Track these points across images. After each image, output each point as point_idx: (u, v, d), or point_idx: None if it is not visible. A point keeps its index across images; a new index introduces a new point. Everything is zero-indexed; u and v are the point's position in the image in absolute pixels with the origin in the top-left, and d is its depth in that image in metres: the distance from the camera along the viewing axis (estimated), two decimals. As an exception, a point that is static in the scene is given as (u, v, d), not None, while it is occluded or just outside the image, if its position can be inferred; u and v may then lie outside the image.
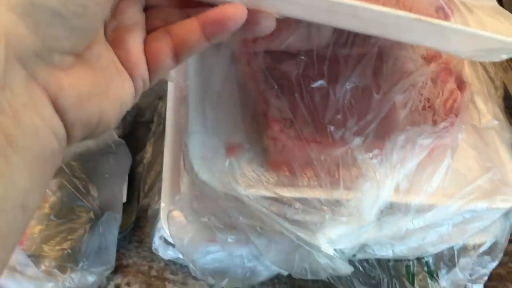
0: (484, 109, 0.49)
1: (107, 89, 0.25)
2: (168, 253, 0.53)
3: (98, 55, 0.25)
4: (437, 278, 0.44)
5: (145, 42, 0.27)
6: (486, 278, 0.48)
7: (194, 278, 0.55)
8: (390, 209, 0.40)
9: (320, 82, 0.44)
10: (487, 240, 0.45)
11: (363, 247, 0.41)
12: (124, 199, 0.57)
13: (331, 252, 0.36)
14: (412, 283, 0.44)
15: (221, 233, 0.43)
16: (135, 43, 0.27)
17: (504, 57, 0.32)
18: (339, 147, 0.41)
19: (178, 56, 0.27)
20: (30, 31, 0.21)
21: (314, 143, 0.41)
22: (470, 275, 0.47)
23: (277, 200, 0.38)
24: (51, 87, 0.22)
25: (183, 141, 0.40)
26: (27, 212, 0.22)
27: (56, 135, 0.23)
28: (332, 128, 0.41)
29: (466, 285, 0.46)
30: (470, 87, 0.48)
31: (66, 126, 0.24)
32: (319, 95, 0.43)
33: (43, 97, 0.22)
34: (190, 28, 0.27)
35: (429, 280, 0.44)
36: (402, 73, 0.46)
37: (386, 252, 0.42)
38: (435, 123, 0.44)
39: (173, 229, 0.43)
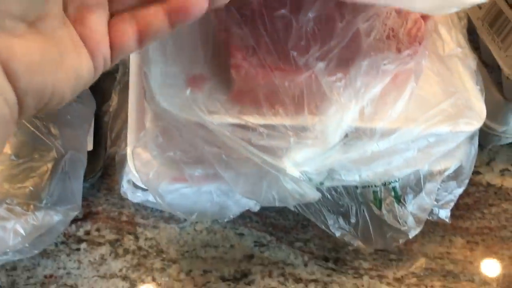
0: (448, 37, 0.49)
1: (60, 61, 0.25)
2: (137, 196, 0.52)
3: (53, 28, 0.25)
4: (404, 203, 0.45)
5: (109, 23, 0.27)
6: (452, 204, 0.49)
7: (165, 221, 0.55)
8: (356, 134, 0.39)
9: (282, 11, 0.43)
10: (452, 165, 0.46)
11: (330, 173, 0.41)
12: (90, 147, 0.56)
13: (296, 174, 0.36)
14: (380, 208, 0.45)
15: (188, 168, 0.43)
16: (98, 22, 0.27)
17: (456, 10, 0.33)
18: (303, 73, 0.40)
19: (141, 40, 0.28)
20: None
21: (278, 70, 0.41)
22: (437, 200, 0.47)
23: (242, 126, 0.38)
24: (2, 52, 0.22)
25: (143, 71, 0.39)
26: None
27: (6, 101, 0.23)
28: (295, 54, 0.41)
29: (432, 209, 0.47)
30: (433, 17, 0.48)
31: (17, 94, 0.24)
32: (282, 24, 0.42)
33: None
34: (155, 14, 0.27)
35: (396, 205, 0.45)
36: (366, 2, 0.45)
37: (353, 178, 0.42)
38: (399, 51, 0.44)
39: (138, 164, 0.43)
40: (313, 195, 0.40)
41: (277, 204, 0.41)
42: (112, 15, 0.28)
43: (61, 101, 0.26)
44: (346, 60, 0.42)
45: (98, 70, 0.27)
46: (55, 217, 0.46)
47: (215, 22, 0.43)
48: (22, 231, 0.45)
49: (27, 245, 0.47)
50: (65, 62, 0.25)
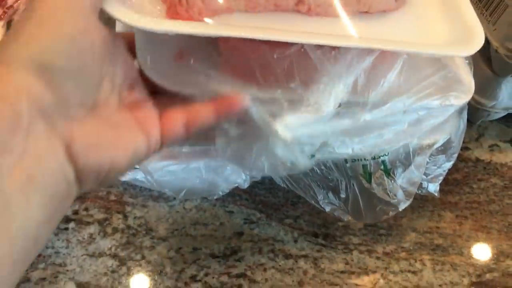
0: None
1: (117, 141, 0.29)
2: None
3: (110, 113, 0.29)
4: (393, 176, 0.45)
5: (163, 112, 0.32)
6: (441, 178, 0.49)
7: (154, 200, 0.55)
8: (348, 104, 0.39)
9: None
10: (440, 139, 0.46)
11: (322, 145, 0.41)
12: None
13: (288, 137, 0.36)
14: (369, 182, 0.44)
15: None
16: (151, 108, 0.32)
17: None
18: (292, 46, 0.40)
19: (189, 128, 0.32)
20: (46, 88, 0.25)
21: (267, 44, 0.40)
22: (426, 174, 0.47)
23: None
24: (65, 136, 0.26)
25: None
26: (38, 245, 0.26)
27: (66, 179, 0.26)
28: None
29: (421, 183, 0.47)
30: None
31: (76, 172, 0.27)
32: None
33: (58, 145, 0.26)
34: (205, 108, 0.33)
35: (385, 178, 0.45)
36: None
37: (345, 150, 0.42)
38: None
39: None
40: (304, 162, 0.39)
41: (266, 172, 0.40)
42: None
43: (119, 174, 0.30)
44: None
45: (151, 149, 0.31)
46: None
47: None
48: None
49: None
50: (121, 141, 0.29)
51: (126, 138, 0.29)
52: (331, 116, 0.38)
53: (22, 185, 0.24)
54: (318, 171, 0.45)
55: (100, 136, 0.28)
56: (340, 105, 0.39)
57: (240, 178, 0.48)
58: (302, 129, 0.37)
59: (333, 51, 0.40)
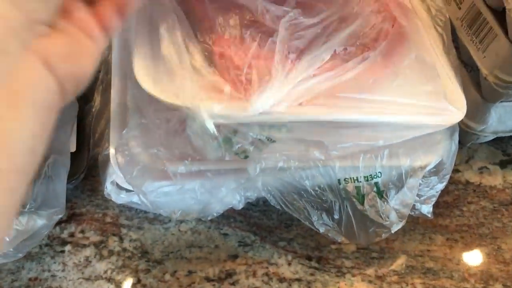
0: (433, 33, 0.50)
1: (81, 49, 0.31)
2: (121, 198, 0.52)
3: (64, 26, 0.30)
4: (386, 198, 0.46)
5: (94, 11, 0.32)
6: (434, 199, 0.50)
7: (150, 222, 0.55)
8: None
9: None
10: (433, 160, 0.47)
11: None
12: (74, 149, 0.56)
13: (211, 126, 0.37)
14: (362, 204, 0.45)
15: (171, 165, 0.43)
16: (82, 12, 0.32)
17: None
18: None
19: (123, 16, 0.33)
20: (17, 10, 0.27)
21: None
22: (419, 196, 0.48)
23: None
24: (40, 51, 0.28)
25: (129, 66, 0.40)
26: (35, 157, 0.28)
27: (49, 89, 0.28)
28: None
29: (414, 205, 0.48)
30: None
31: (58, 82, 0.29)
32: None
33: (36, 60, 0.28)
34: None
35: (378, 200, 0.45)
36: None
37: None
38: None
39: (121, 162, 0.43)
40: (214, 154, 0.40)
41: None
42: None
43: (88, 79, 0.32)
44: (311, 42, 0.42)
45: (100, 49, 0.32)
46: (39, 221, 0.46)
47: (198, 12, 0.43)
48: (6, 237, 0.45)
49: (11, 249, 0.47)
50: (84, 49, 0.31)
51: (85, 46, 0.31)
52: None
53: (11, 101, 0.26)
54: (313, 192, 0.45)
55: (69, 46, 0.30)
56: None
57: (235, 200, 0.48)
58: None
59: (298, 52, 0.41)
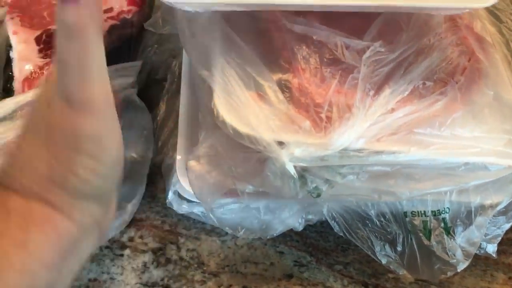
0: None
1: None
2: (182, 208, 0.53)
3: None
4: (453, 235, 0.45)
5: None
6: (499, 239, 0.48)
7: (207, 233, 0.56)
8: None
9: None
10: (504, 200, 0.45)
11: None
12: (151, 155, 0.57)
13: (291, 170, 0.37)
14: (429, 239, 0.44)
15: (240, 184, 0.43)
16: None
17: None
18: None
19: None
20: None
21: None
22: (485, 234, 0.47)
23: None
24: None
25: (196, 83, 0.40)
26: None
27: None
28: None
29: (480, 243, 0.47)
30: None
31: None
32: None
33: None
34: None
35: (445, 236, 0.44)
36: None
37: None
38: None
39: (192, 178, 0.43)
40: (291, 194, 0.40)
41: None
42: None
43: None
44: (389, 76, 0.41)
45: None
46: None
47: (277, 41, 0.43)
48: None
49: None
50: None
51: None
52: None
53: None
54: (377, 222, 0.45)
55: None
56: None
57: (296, 222, 0.48)
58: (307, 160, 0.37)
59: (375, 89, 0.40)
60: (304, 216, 0.48)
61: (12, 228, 0.28)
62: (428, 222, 0.45)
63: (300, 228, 0.50)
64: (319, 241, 0.56)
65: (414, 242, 0.45)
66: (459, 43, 0.46)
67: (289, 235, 0.56)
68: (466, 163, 0.40)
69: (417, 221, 0.45)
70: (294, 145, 0.36)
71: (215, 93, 0.39)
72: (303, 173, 0.40)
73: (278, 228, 0.48)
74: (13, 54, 0.55)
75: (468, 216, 0.45)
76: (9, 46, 0.58)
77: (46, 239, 0.28)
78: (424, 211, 0.45)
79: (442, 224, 0.45)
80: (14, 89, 0.54)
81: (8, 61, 0.59)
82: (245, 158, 0.39)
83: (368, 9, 0.39)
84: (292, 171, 0.36)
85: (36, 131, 0.29)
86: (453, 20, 0.48)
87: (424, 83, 0.41)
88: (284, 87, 0.40)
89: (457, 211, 0.45)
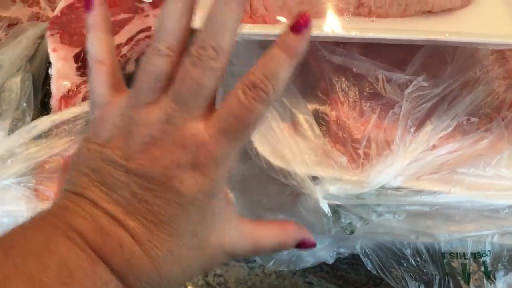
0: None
1: None
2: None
3: None
4: (493, 280, 0.42)
5: None
6: (541, 284, 0.46)
7: (235, 259, 0.55)
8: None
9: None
10: (548, 245, 0.43)
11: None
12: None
13: (325, 207, 0.35)
14: (467, 283, 0.42)
15: (271, 214, 0.42)
16: None
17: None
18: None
19: None
20: None
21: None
22: (528, 280, 0.44)
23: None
24: None
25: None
26: None
27: None
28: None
29: (521, 289, 0.44)
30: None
31: None
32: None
33: None
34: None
35: (485, 281, 0.42)
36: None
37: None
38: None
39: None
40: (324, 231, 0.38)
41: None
42: None
43: None
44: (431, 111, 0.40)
45: None
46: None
47: (315, 70, 0.42)
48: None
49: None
50: None
51: None
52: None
53: None
54: (413, 262, 0.43)
55: None
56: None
57: (328, 256, 0.47)
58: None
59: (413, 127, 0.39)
60: (336, 249, 0.46)
61: None
62: (468, 265, 0.42)
63: (332, 261, 0.48)
64: (350, 274, 0.54)
65: (451, 285, 0.43)
66: (506, 76, 0.44)
67: (319, 266, 0.54)
68: (511, 206, 0.38)
69: (455, 263, 0.43)
70: (329, 182, 0.35)
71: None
72: (337, 208, 0.38)
73: (309, 261, 0.47)
74: (52, 71, 0.56)
75: (510, 260, 0.42)
76: (48, 63, 0.58)
77: None
78: (464, 253, 0.43)
79: (482, 268, 0.42)
80: (51, 106, 0.54)
81: (47, 76, 0.59)
82: (278, 190, 0.38)
83: (413, 43, 0.38)
84: (326, 209, 0.35)
85: None
86: (501, 52, 0.46)
87: (468, 119, 0.39)
88: (320, 119, 0.38)
89: (499, 254, 0.42)
